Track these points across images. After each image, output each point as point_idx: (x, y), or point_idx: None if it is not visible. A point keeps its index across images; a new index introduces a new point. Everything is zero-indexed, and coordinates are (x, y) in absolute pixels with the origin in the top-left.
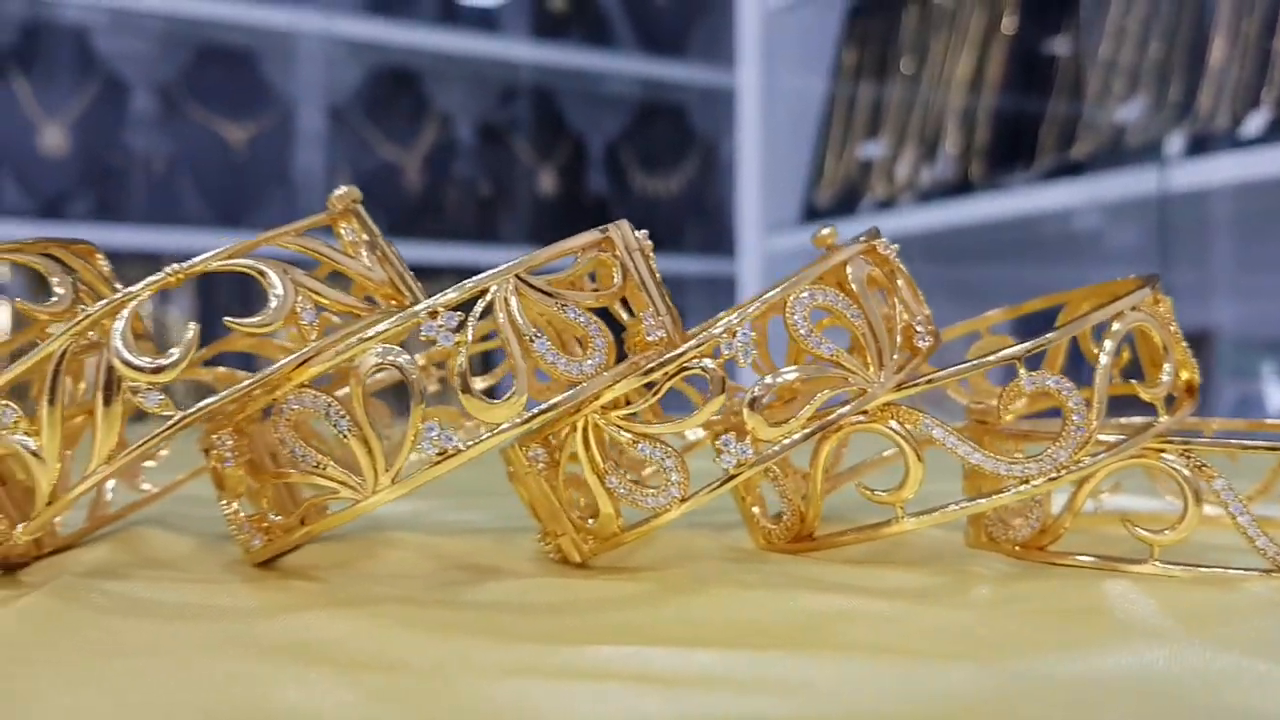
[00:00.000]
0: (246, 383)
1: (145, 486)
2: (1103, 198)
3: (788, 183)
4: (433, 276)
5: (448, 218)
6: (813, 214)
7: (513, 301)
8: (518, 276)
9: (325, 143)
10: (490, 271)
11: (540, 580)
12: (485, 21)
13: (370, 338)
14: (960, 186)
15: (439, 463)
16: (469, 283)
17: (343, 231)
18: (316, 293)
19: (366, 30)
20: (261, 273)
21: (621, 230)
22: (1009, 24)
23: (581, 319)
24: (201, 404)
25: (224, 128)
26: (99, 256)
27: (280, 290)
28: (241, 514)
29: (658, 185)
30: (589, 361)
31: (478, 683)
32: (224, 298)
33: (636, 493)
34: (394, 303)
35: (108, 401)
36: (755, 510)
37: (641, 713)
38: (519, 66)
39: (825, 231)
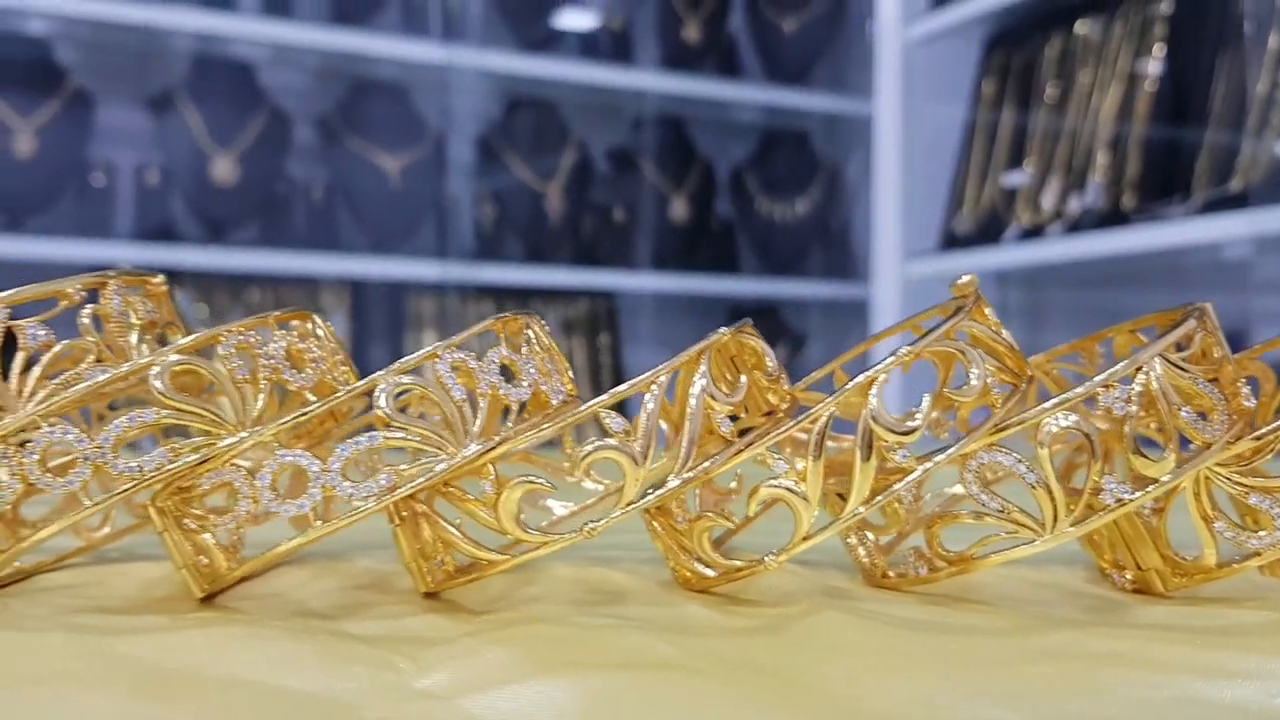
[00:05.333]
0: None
1: None
2: (1266, 231)
3: (926, 210)
4: (567, 299)
5: (585, 243)
6: (952, 241)
7: (1162, 375)
8: (1161, 355)
9: (473, 171)
10: (1141, 353)
11: (1140, 608)
12: (620, 52)
13: (1058, 405)
14: (1112, 216)
15: (1113, 510)
16: (1122, 365)
17: (988, 313)
18: (992, 367)
19: (511, 63)
20: (964, 354)
21: (1207, 309)
22: (1159, 54)
23: (1208, 390)
24: (941, 454)
25: (379, 158)
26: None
27: (978, 370)
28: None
29: (783, 210)
30: (1215, 426)
31: (1196, 684)
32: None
33: (1241, 535)
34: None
35: (866, 458)
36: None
37: None
38: (650, 95)
39: None
